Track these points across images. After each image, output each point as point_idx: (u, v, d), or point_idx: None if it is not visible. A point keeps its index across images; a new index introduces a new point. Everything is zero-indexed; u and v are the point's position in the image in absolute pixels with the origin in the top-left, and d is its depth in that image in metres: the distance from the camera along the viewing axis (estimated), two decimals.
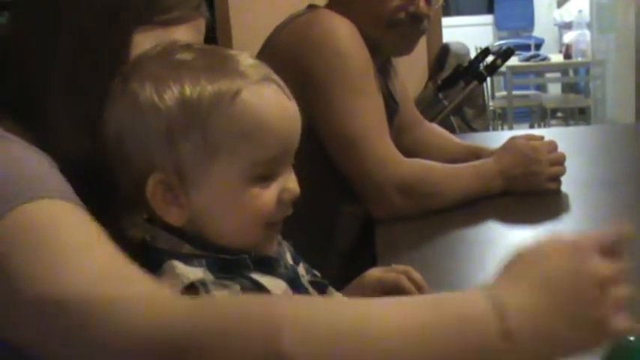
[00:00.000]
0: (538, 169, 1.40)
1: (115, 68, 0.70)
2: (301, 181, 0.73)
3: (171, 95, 0.65)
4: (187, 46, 0.70)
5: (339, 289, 0.88)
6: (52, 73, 0.70)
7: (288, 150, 0.69)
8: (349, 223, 1.47)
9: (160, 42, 0.72)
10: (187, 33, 0.74)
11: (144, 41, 0.71)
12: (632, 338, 0.62)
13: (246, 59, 0.69)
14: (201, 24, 0.78)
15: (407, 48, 1.49)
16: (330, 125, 1.33)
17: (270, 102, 0.67)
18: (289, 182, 0.70)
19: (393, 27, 1.41)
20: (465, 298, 0.54)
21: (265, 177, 0.68)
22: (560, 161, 1.42)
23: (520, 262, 0.55)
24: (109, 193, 0.71)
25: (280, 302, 0.58)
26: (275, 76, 0.69)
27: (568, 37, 5.81)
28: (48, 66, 0.70)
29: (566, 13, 6.56)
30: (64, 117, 0.70)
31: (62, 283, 0.55)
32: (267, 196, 0.68)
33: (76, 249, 0.57)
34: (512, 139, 1.46)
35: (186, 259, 0.66)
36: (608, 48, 5.20)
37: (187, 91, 0.65)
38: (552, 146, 1.43)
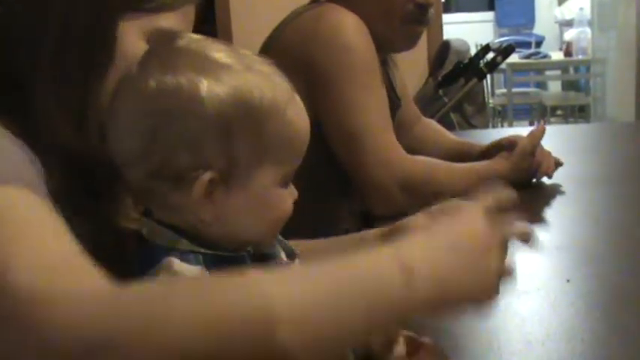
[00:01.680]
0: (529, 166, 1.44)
1: (101, 56, 0.69)
2: (302, 178, 0.73)
3: (231, 92, 0.65)
4: (215, 42, 0.70)
5: None
6: (40, 61, 0.69)
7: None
8: (349, 219, 1.47)
9: (180, 28, 0.71)
10: (175, 20, 0.73)
11: (129, 28, 0.71)
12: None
13: (273, 67, 0.71)
14: (190, 10, 0.77)
15: (413, 42, 1.48)
16: (335, 121, 1.32)
17: (302, 113, 0.71)
18: (292, 185, 0.73)
19: (406, 22, 1.41)
20: (370, 258, 0.58)
21: (287, 182, 0.71)
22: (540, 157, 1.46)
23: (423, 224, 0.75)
24: (100, 182, 0.71)
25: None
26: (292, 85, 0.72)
27: (569, 34, 5.82)
28: (36, 54, 0.69)
29: (567, 11, 6.55)
30: (52, 105, 0.69)
31: (10, 269, 0.52)
32: (290, 198, 0.72)
33: (26, 236, 0.55)
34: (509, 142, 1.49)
35: (183, 256, 0.66)
36: (608, 46, 5.20)
37: (247, 92, 0.66)
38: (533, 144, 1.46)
